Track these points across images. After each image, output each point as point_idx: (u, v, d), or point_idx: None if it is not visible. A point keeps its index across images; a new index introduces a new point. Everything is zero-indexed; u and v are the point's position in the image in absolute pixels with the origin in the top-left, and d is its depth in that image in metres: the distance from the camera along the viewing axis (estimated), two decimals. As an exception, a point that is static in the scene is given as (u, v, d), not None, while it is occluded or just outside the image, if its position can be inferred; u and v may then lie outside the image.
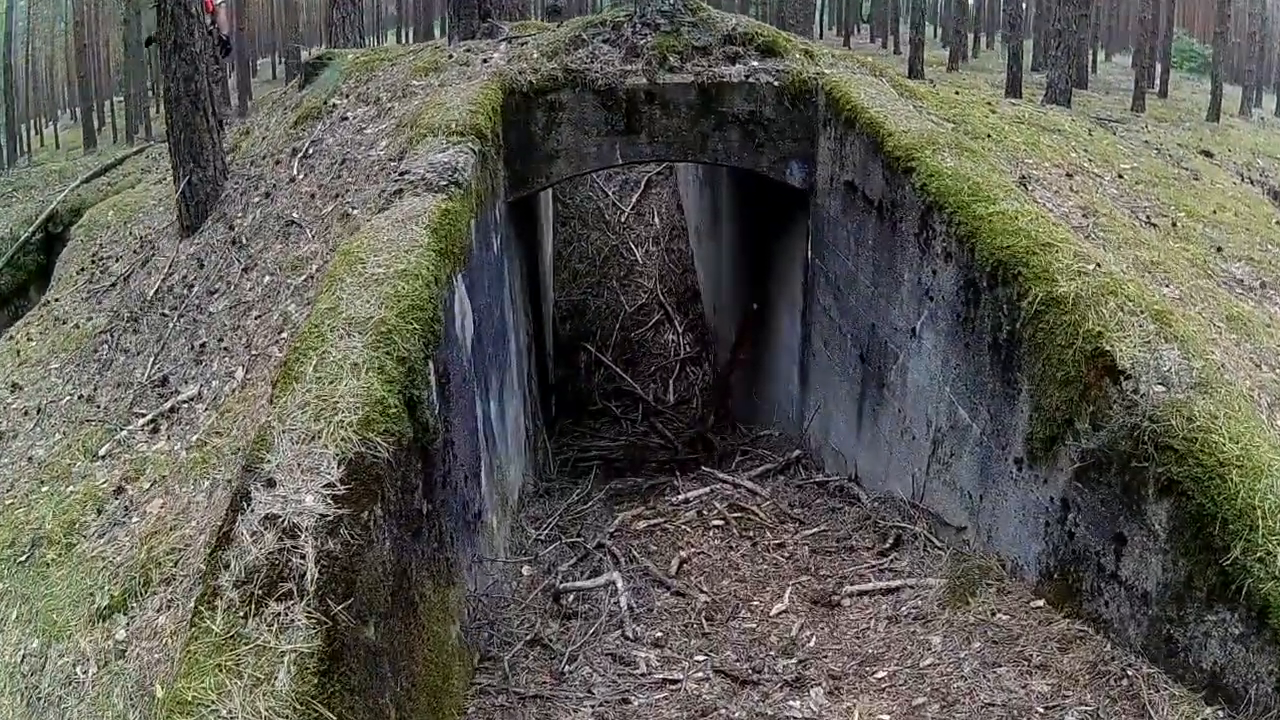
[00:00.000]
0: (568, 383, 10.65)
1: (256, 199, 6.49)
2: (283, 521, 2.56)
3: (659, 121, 5.98)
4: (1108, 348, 3.23)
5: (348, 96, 7.24)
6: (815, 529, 5.16)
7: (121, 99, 27.40)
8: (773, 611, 4.16)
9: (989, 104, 8.03)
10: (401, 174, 4.57)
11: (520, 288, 7.15)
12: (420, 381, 3.03)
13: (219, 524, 2.81)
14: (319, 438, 2.73)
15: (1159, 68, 20.77)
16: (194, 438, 4.42)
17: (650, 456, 8.98)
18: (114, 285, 6.75)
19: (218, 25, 9.14)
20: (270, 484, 2.69)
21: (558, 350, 10.93)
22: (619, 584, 4.16)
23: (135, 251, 7.08)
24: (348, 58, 8.11)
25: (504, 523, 4.99)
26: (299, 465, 2.70)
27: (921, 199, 4.41)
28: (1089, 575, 3.41)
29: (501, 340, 5.46)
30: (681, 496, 5.91)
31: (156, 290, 6.20)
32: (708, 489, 5.98)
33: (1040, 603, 3.69)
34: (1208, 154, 10.13)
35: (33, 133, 29.98)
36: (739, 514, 5.45)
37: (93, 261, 7.41)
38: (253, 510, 2.62)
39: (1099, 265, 3.59)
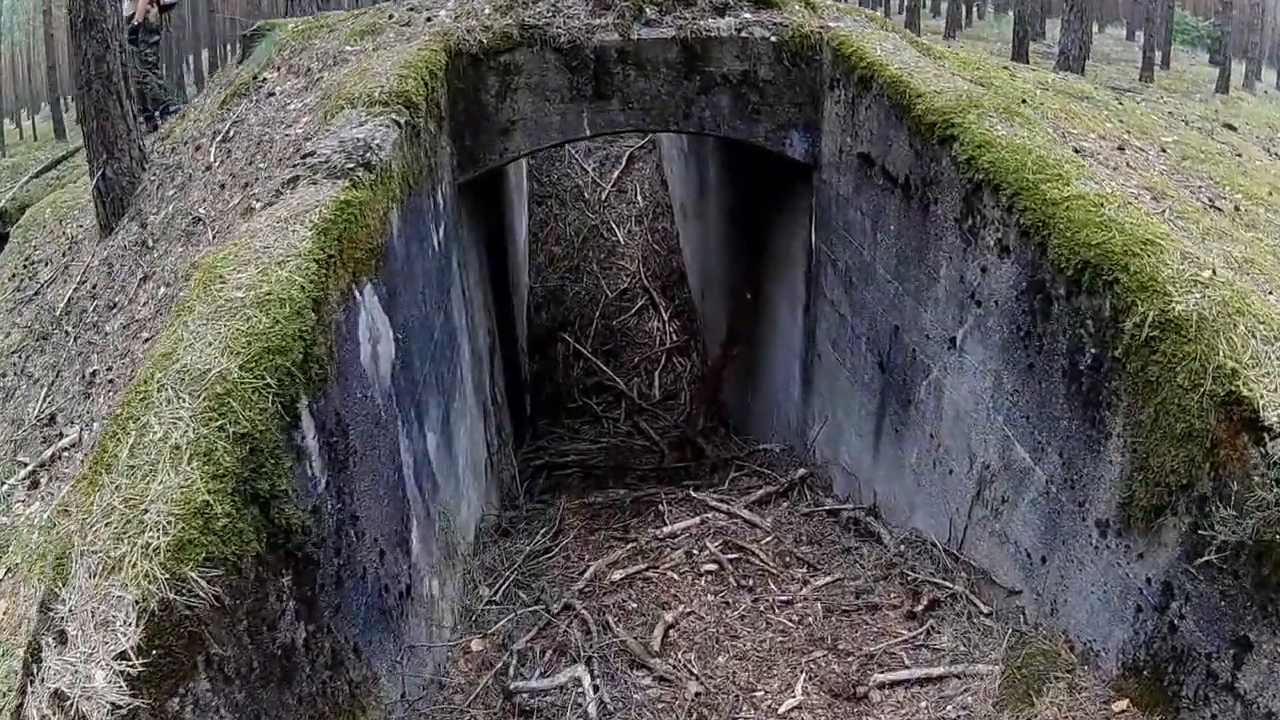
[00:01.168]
0: (544, 378, 9.71)
1: (171, 191, 5.50)
2: (71, 707, 1.67)
3: (634, 85, 5.00)
4: (1245, 392, 2.32)
5: (279, 69, 6.21)
6: (828, 578, 4.27)
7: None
8: (782, 709, 3.27)
9: (1007, 69, 7.07)
10: (303, 157, 3.60)
11: (481, 281, 6.20)
12: (274, 467, 2.09)
13: (18, 684, 1.91)
14: (119, 569, 1.80)
15: (1158, 40, 20.40)
16: (55, 506, 3.49)
17: (634, 463, 8.07)
18: (36, 294, 5.79)
19: None
20: (62, 639, 1.79)
21: (533, 342, 9.98)
22: (586, 682, 3.25)
23: (63, 255, 6.10)
24: (287, 27, 7.07)
25: (451, 579, 4.08)
26: (93, 614, 1.79)
27: (966, 175, 3.47)
28: (1193, 680, 2.54)
29: (446, 354, 4.51)
30: (668, 529, 5.01)
31: (67, 302, 5.25)
32: (698, 519, 5.08)
33: (1123, 705, 2.82)
34: (1230, 127, 9.31)
35: (12, 125, 28.63)
36: (735, 555, 4.56)
37: (24, 266, 6.43)
38: (42, 679, 1.73)
39: (1214, 271, 2.67)
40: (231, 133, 5.62)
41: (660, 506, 5.51)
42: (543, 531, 5.11)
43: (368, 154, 3.40)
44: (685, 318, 10.53)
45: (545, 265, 11.11)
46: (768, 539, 4.73)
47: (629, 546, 4.98)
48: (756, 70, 5.09)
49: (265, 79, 6.13)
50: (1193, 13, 31.94)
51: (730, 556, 4.54)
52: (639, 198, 12.30)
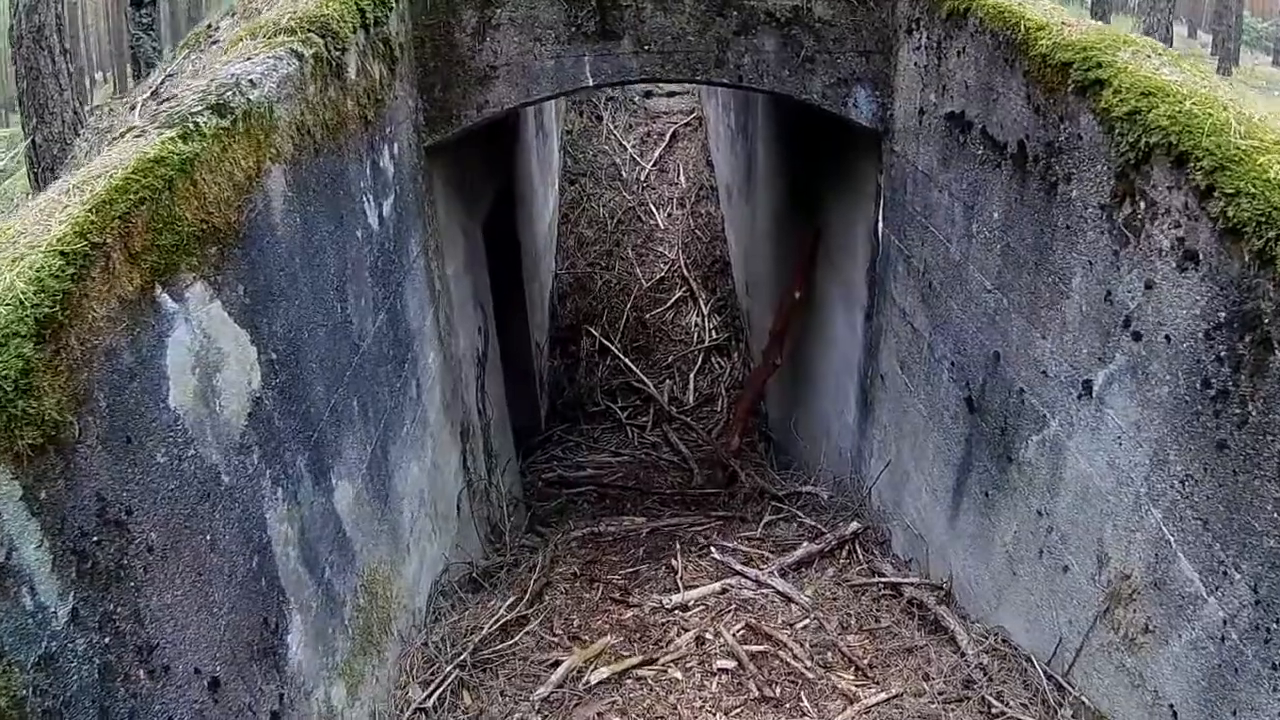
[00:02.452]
0: (565, 376, 8.65)
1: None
2: None
3: (651, 21, 3.85)
4: None
5: (233, 14, 5.22)
6: (884, 693, 3.12)
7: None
8: None
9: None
10: (162, 102, 2.57)
11: (471, 269, 5.14)
12: None
13: None
14: None
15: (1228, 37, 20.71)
16: None
17: (657, 482, 6.97)
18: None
19: None
20: None
21: (555, 336, 8.92)
22: None
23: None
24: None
25: (375, 673, 3.04)
26: None
27: (1124, 140, 2.27)
28: None
29: (387, 370, 3.45)
30: (679, 598, 3.92)
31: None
32: (719, 586, 3.97)
33: None
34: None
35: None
36: (761, 646, 3.44)
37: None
38: None
39: None
40: (164, 87, 4.63)
41: (674, 561, 4.41)
42: (520, 590, 4.04)
43: (228, 94, 2.33)
44: (727, 313, 9.37)
45: (574, 249, 10.03)
46: (805, 622, 3.60)
47: (628, 615, 3.90)
48: (810, 7, 3.90)
49: (219, 26, 5.14)
50: (1251, 13, 31.88)
51: (754, 649, 3.42)
52: (681, 178, 11.14)
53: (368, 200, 3.28)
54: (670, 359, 8.96)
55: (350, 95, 3.10)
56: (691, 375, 8.71)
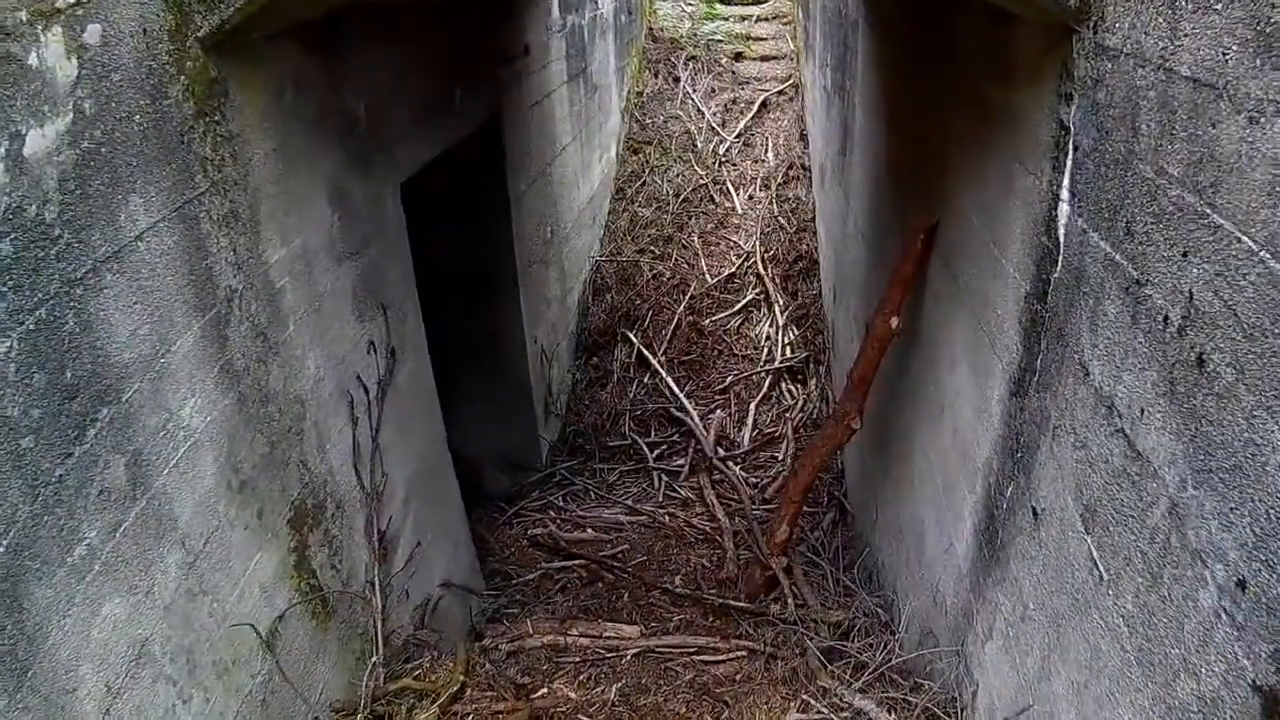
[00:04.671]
0: (586, 395, 6.71)
1: None
2: None
3: None
4: None
5: None
6: None
7: None
8: None
9: None
10: None
11: (339, 255, 3.26)
12: None
13: None
14: None
15: None
16: None
17: (674, 564, 4.98)
18: None
19: None
20: None
21: (582, 340, 6.99)
22: None
23: None
24: None
25: None
26: None
27: None
28: None
29: (43, 439, 1.58)
30: None
31: None
32: None
33: None
34: None
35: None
36: None
37: None
38: None
39: None
40: None
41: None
42: None
43: None
44: (808, 325, 7.24)
45: (624, 231, 8.05)
46: None
47: None
48: None
49: None
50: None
51: None
52: (769, 154, 9.01)
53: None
54: (728, 380, 6.90)
55: None
56: (753, 405, 6.64)
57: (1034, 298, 2.31)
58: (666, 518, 5.49)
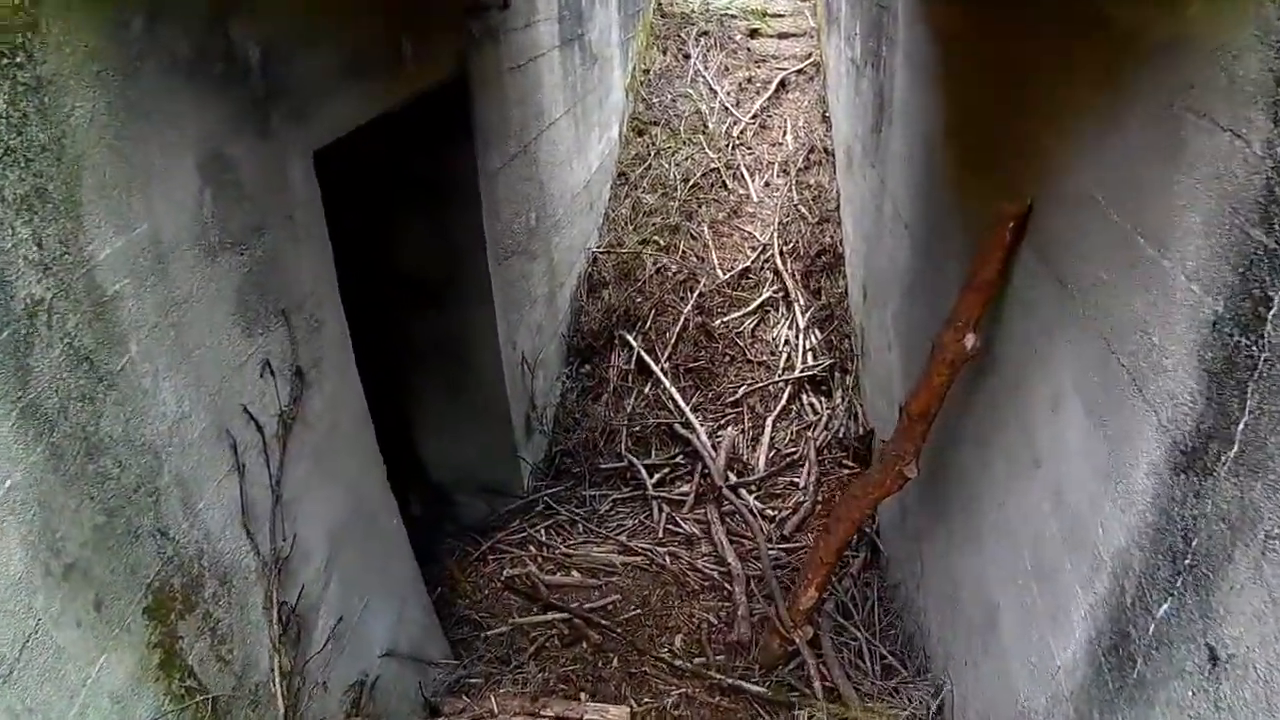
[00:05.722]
0: (577, 408, 5.88)
1: None
2: None
3: None
4: None
5: None
6: None
7: None
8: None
9: None
10: None
11: (208, 249, 2.43)
12: None
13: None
14: None
15: None
16: None
17: (674, 622, 4.17)
18: None
19: None
20: None
21: (573, 344, 6.16)
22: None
23: None
24: None
25: None
26: None
27: None
28: None
29: None
30: None
31: None
32: None
33: None
34: None
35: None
36: None
37: None
38: None
39: None
40: None
41: None
42: None
43: None
44: (833, 328, 6.38)
45: (625, 220, 7.21)
46: None
47: None
48: None
49: None
50: None
51: None
52: (788, 137, 8.15)
53: None
54: (740, 391, 6.05)
55: None
56: (769, 421, 5.79)
57: (1233, 325, 1.46)
58: (667, 558, 4.65)
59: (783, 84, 8.82)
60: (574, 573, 4.61)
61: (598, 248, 6.85)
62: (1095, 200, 2.01)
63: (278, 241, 2.52)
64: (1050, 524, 2.33)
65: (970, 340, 2.52)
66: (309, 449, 2.73)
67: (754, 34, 9.66)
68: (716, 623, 4.16)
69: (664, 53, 9.22)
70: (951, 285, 3.40)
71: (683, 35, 9.39)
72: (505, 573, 4.62)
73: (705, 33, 9.38)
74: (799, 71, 8.99)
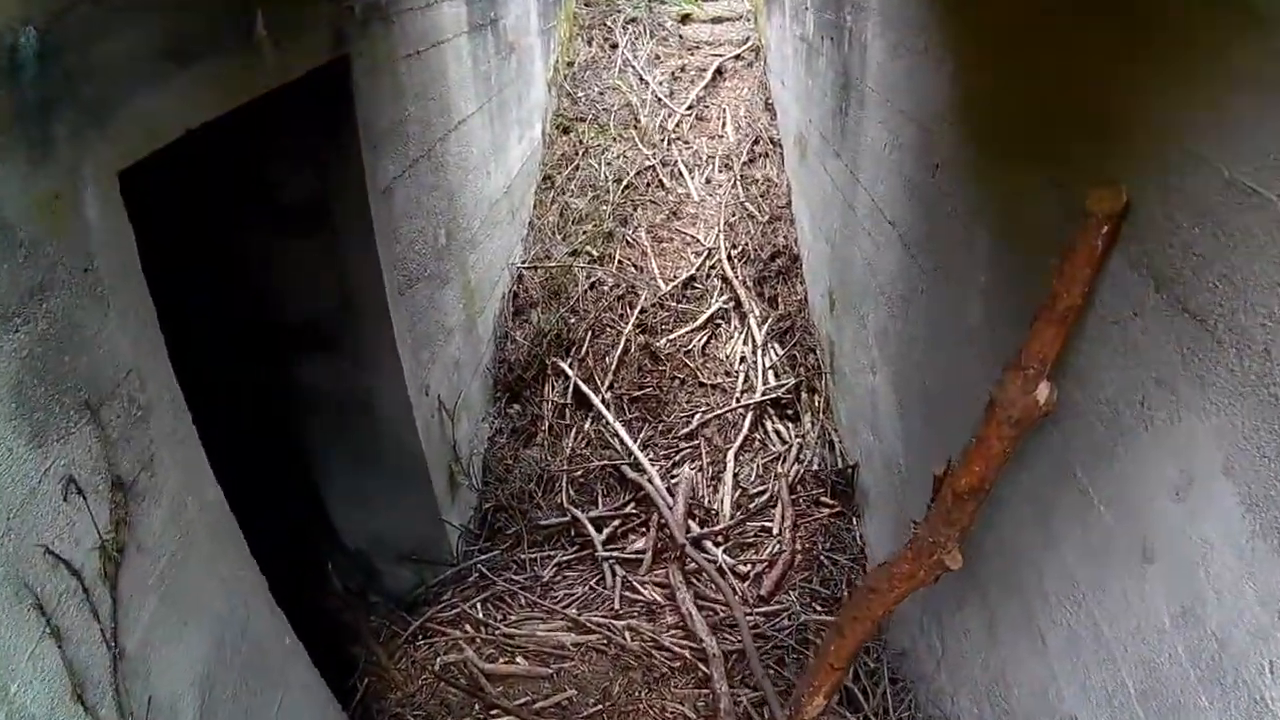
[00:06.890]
0: (508, 453, 5.03)
1: None
2: None
3: None
4: None
5: None
6: None
7: None
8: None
9: None
10: None
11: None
12: None
13: None
14: None
15: None
16: None
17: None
18: None
19: None
20: None
21: (500, 378, 5.32)
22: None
23: None
24: None
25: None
26: None
27: None
28: None
29: None
30: None
31: None
32: None
33: None
34: None
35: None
36: None
37: None
38: None
39: None
40: None
41: None
42: None
43: None
44: (795, 342, 5.66)
45: (553, 229, 6.39)
46: None
47: None
48: None
49: None
50: None
51: None
52: (728, 129, 7.43)
53: None
54: (695, 421, 5.28)
55: None
56: (730, 455, 5.04)
57: None
58: (628, 635, 3.86)
59: (719, 71, 8.10)
60: (519, 659, 3.78)
61: (523, 263, 6.01)
62: (1262, 195, 1.29)
63: (72, 305, 1.65)
64: (1173, 645, 1.62)
65: (1046, 392, 1.79)
66: (153, 581, 1.87)
67: (686, 19, 8.94)
68: (695, 716, 3.39)
69: (589, 43, 8.42)
70: (969, 302, 2.69)
71: (609, 23, 8.61)
72: (439, 660, 3.78)
73: (633, 20, 8.61)
74: (736, 57, 8.29)
